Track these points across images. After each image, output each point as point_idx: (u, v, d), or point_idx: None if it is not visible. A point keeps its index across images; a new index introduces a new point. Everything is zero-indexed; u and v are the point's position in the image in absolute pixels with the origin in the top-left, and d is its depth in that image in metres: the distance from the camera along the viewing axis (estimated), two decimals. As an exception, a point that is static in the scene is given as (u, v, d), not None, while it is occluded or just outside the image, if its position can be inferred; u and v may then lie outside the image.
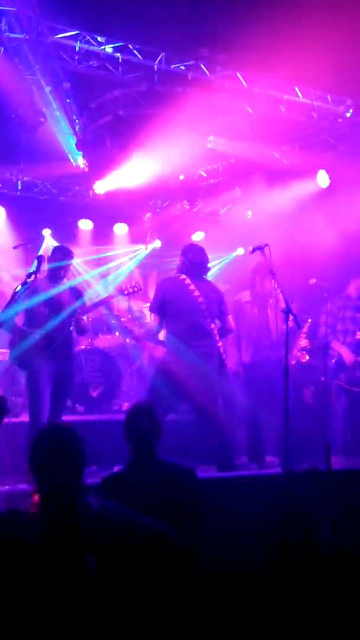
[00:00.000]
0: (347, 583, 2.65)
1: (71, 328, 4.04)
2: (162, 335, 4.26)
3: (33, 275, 3.70)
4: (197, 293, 4.04)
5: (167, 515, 2.58)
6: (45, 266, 3.92)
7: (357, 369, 4.99)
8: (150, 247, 7.40)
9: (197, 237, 7.92)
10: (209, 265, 4.39)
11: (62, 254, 4.17)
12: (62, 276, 4.15)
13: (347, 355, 4.97)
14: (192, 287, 4.07)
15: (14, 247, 5.50)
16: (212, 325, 4.05)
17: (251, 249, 4.24)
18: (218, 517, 2.92)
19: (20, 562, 1.83)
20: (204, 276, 4.28)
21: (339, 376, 4.97)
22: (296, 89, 6.12)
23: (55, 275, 4.09)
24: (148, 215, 7.66)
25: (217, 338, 4.06)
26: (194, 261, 4.21)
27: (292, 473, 3.12)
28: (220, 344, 4.06)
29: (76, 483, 1.99)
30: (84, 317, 4.11)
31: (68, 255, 4.20)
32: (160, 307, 4.10)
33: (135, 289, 4.42)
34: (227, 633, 2.49)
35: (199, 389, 3.83)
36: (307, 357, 5.56)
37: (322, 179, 6.69)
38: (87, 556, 1.87)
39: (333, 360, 4.96)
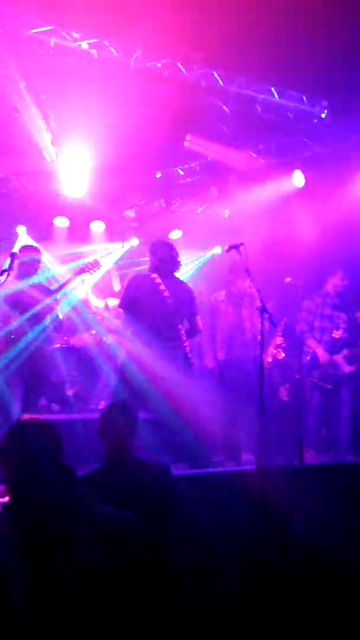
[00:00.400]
0: (319, 576, 2.69)
1: (45, 327, 3.98)
2: (130, 333, 4.23)
3: (5, 273, 3.65)
4: (166, 293, 4.04)
5: (143, 513, 2.58)
6: (16, 264, 3.86)
7: (330, 367, 5.06)
8: (127, 245, 7.36)
9: (175, 235, 7.92)
10: (186, 262, 4.39)
11: (29, 252, 4.10)
12: (31, 275, 4.08)
13: (322, 354, 5.04)
14: (162, 286, 4.06)
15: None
16: (180, 326, 4.05)
17: (227, 247, 4.26)
18: (193, 513, 2.93)
19: None
20: (175, 274, 4.26)
21: (312, 373, 5.03)
22: (272, 89, 6.17)
23: (23, 274, 4.03)
24: (130, 211, 7.64)
25: (184, 338, 4.05)
26: (164, 259, 4.20)
27: (266, 469, 3.14)
28: (186, 344, 4.05)
29: (49, 474, 1.97)
30: (59, 314, 4.06)
31: (36, 253, 4.13)
32: (129, 305, 4.09)
33: (94, 266, 4.33)
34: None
35: (165, 388, 3.82)
36: (283, 355, 5.62)
37: (298, 178, 6.76)
38: (59, 551, 1.86)
39: (307, 358, 5.02)
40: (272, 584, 2.69)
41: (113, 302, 6.34)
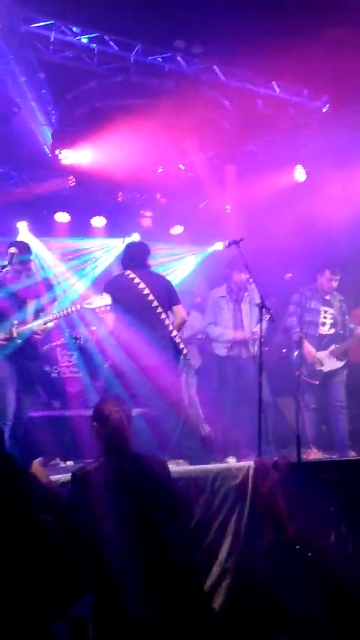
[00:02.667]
0: (313, 569, 2.71)
1: (41, 330, 3.94)
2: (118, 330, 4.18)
3: (5, 269, 3.64)
4: (142, 286, 4.00)
5: (140, 507, 2.60)
6: (16, 262, 3.84)
7: (317, 363, 5.01)
8: (127, 240, 7.35)
9: (176, 231, 7.90)
10: (186, 258, 4.35)
11: (22, 249, 4.04)
12: (22, 272, 4.04)
13: (308, 353, 4.99)
14: (136, 280, 4.03)
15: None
16: (163, 316, 4.02)
17: (227, 243, 4.25)
18: (189, 508, 2.94)
19: None
20: (148, 267, 4.25)
21: (301, 369, 4.97)
22: (273, 83, 6.13)
23: (18, 271, 3.99)
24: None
25: (171, 328, 4.02)
26: (131, 253, 4.22)
27: (262, 464, 3.15)
28: (174, 333, 4.01)
29: None
30: (51, 322, 4.00)
31: (27, 250, 4.09)
32: (111, 307, 4.05)
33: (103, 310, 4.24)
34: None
35: (157, 381, 3.81)
36: (284, 351, 5.61)
37: (299, 173, 6.73)
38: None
39: (295, 354, 4.98)
40: (269, 577, 2.70)
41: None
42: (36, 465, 2.70)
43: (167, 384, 3.82)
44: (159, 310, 3.98)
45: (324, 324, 5.09)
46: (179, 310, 4.15)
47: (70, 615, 1.99)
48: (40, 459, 2.75)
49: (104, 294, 4.01)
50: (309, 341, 5.01)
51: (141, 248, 4.32)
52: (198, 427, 3.89)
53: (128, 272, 4.12)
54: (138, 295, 3.99)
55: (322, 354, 5.02)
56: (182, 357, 4.01)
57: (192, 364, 4.18)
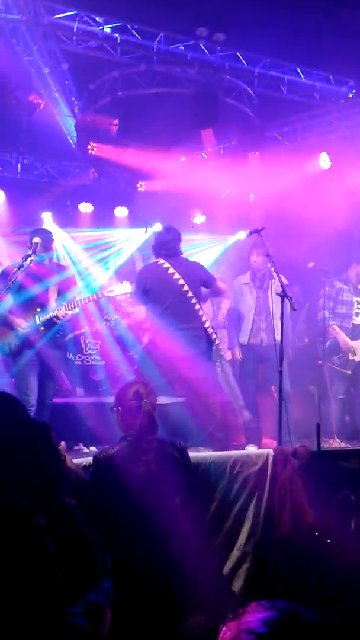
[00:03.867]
0: (331, 556, 2.71)
1: (62, 315, 4.02)
2: (149, 322, 4.20)
3: (29, 258, 3.71)
4: (177, 276, 3.97)
5: (161, 492, 2.64)
6: (40, 250, 3.91)
7: (350, 353, 5.00)
8: (150, 230, 7.38)
9: (198, 220, 7.88)
10: (209, 247, 4.33)
11: (45, 238, 4.09)
12: (45, 261, 4.12)
13: (344, 342, 4.98)
14: (171, 270, 3.99)
15: (13, 230, 5.50)
16: (197, 307, 3.99)
17: (248, 232, 4.23)
18: (208, 493, 2.98)
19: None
20: (180, 254, 4.20)
21: (332, 359, 4.97)
22: (298, 69, 6.05)
23: (41, 260, 4.06)
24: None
25: (204, 319, 4.02)
26: (163, 241, 4.14)
27: (282, 451, 3.16)
28: (208, 324, 4.02)
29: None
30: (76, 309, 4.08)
31: (50, 240, 4.16)
32: (143, 296, 4.06)
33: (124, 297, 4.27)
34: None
35: (188, 372, 3.82)
36: (306, 340, 5.58)
37: (324, 160, 6.63)
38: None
39: (327, 343, 4.96)
40: (287, 563, 2.72)
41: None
42: (60, 448, 2.75)
43: (202, 373, 3.83)
44: (194, 300, 3.97)
45: (357, 314, 5.06)
46: (217, 284, 4.19)
47: (87, 600, 2.03)
48: (62, 443, 2.80)
49: (125, 282, 4.04)
50: (343, 332, 5.02)
51: (173, 235, 4.20)
52: (226, 416, 3.90)
53: (161, 261, 4.07)
54: (173, 285, 3.96)
55: (357, 344, 5.01)
56: (214, 347, 4.02)
57: (223, 353, 4.19)
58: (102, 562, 2.12)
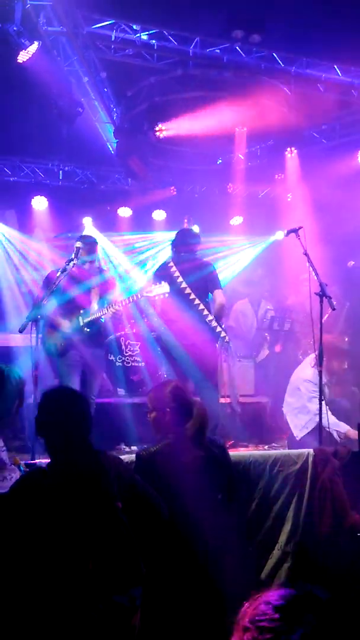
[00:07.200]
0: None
1: (103, 316, 4.15)
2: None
3: (72, 262, 3.84)
4: (180, 279, 4.26)
5: (202, 489, 2.68)
6: (82, 254, 4.04)
7: None
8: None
9: (236, 221, 7.89)
10: (246, 248, 4.45)
11: (87, 243, 4.24)
12: (87, 264, 4.25)
13: None
14: (176, 274, 4.30)
15: (56, 236, 5.67)
16: (197, 302, 4.23)
17: (286, 232, 4.23)
18: (248, 493, 3.00)
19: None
20: (191, 254, 4.43)
21: None
22: (335, 67, 5.97)
23: (83, 264, 4.20)
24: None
25: (205, 313, 4.22)
26: (177, 245, 4.47)
27: (322, 451, 3.15)
28: (210, 318, 4.19)
29: (82, 437, 2.23)
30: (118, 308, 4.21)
31: (92, 244, 4.31)
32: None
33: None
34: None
35: (200, 363, 4.05)
36: (346, 339, 5.49)
37: (363, 158, 6.53)
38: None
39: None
40: (329, 563, 2.71)
41: None
42: None
43: (206, 359, 4.07)
44: (192, 297, 4.24)
45: None
46: (218, 294, 4.35)
47: (114, 601, 2.08)
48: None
49: (163, 282, 4.17)
50: None
51: (183, 235, 4.57)
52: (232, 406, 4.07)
53: (171, 264, 4.40)
54: (177, 287, 4.24)
55: None
56: (220, 339, 4.19)
57: (231, 347, 4.30)
58: (136, 569, 2.15)
